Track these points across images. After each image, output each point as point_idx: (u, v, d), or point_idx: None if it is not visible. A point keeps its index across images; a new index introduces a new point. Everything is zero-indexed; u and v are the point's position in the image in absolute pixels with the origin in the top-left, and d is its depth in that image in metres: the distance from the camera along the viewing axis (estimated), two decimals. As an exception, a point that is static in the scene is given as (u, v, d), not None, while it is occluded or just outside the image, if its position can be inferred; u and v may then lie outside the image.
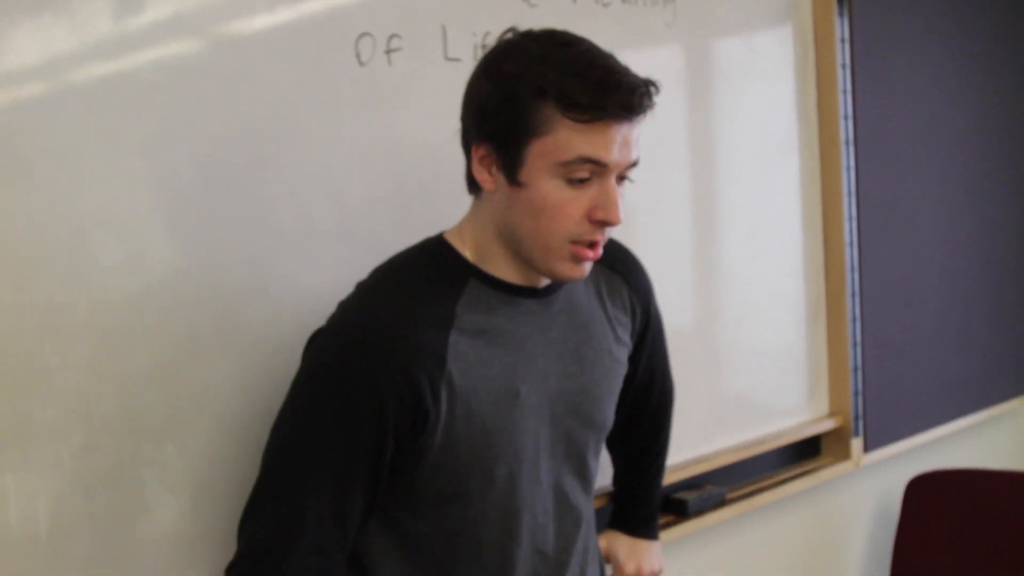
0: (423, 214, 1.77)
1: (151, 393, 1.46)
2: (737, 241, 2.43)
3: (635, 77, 1.36)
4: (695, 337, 2.35)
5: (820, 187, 2.62)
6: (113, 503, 1.44)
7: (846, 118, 2.61)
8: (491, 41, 1.86)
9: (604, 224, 1.39)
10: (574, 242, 1.39)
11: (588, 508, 1.64)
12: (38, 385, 1.36)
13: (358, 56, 1.69)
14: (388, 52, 1.72)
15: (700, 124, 2.35)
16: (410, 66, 1.75)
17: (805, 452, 2.69)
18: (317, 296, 1.62)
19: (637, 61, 2.15)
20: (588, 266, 1.44)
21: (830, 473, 2.68)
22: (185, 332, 1.50)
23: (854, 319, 2.66)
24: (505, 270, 1.46)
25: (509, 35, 1.45)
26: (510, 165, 1.38)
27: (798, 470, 2.63)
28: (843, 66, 2.61)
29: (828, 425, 2.67)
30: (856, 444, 2.71)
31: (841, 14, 2.61)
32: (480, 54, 1.84)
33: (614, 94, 1.33)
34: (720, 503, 2.34)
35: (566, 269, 1.42)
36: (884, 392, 2.79)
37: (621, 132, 1.36)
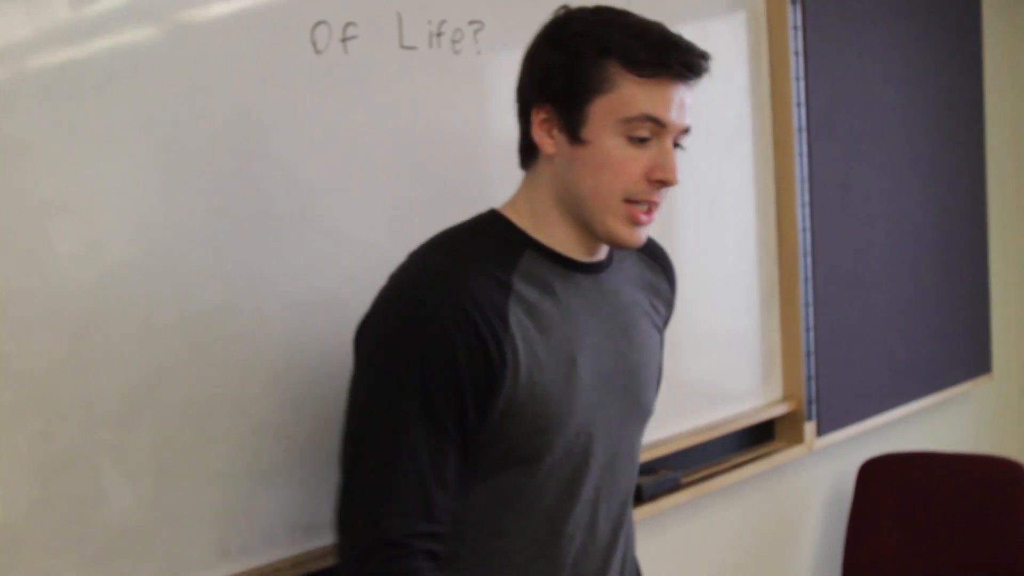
0: (381, 199, 1.80)
1: (108, 379, 1.48)
2: (692, 226, 2.48)
3: (692, 43, 1.42)
4: (689, 327, 2.39)
5: (773, 173, 2.67)
6: (70, 489, 1.45)
7: (799, 105, 2.66)
8: (447, 29, 1.90)
9: (662, 184, 1.43)
10: (630, 201, 1.43)
11: (632, 490, 1.65)
12: (-6, 371, 1.38)
13: (314, 44, 1.70)
14: (344, 40, 1.74)
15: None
16: (366, 54, 1.77)
17: (759, 436, 2.74)
18: (275, 282, 1.65)
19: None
20: (644, 233, 1.47)
21: (784, 457, 2.74)
22: (142, 318, 1.51)
23: (807, 304, 2.72)
24: (561, 240, 1.49)
25: (561, 11, 1.49)
26: (573, 123, 1.42)
27: (752, 454, 2.69)
28: (796, 53, 2.66)
29: (782, 409, 2.73)
30: (809, 428, 2.77)
31: (794, 2, 2.66)
32: (435, 42, 1.88)
33: (675, 52, 1.39)
34: (675, 487, 2.38)
35: (623, 232, 1.45)
36: (837, 376, 2.85)
37: (679, 93, 1.42)
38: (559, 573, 1.51)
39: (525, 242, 1.47)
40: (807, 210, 2.71)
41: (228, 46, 1.61)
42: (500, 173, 2.04)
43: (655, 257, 1.68)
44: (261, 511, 1.66)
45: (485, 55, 1.98)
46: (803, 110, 2.68)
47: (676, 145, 1.45)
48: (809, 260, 2.72)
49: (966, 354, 3.49)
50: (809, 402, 2.76)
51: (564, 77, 1.42)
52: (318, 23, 1.71)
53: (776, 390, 2.75)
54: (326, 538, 1.62)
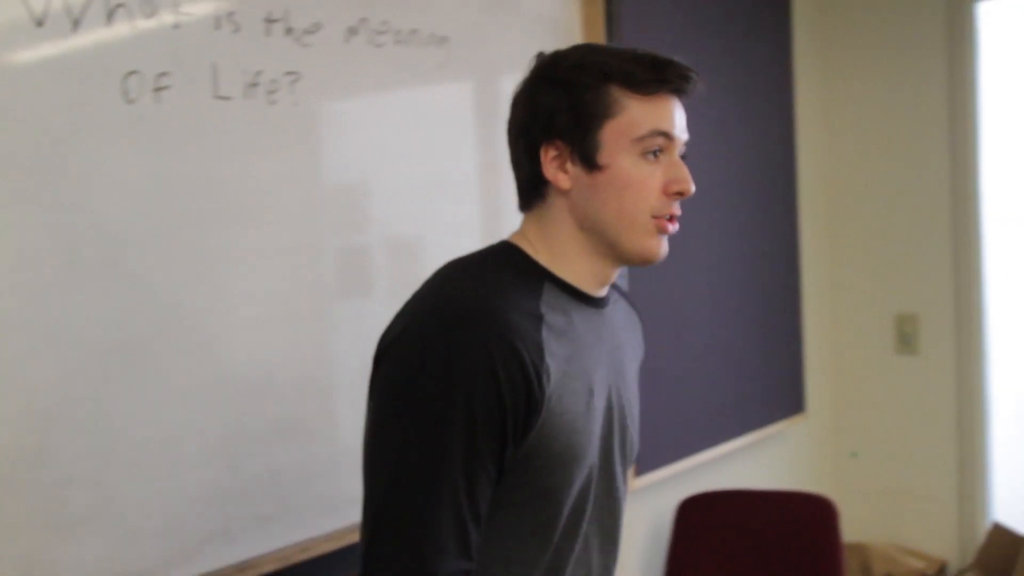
0: (192, 248, 1.83)
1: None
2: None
3: (680, 60, 1.49)
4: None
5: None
6: None
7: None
8: (262, 80, 1.94)
9: (679, 195, 1.47)
10: (656, 217, 1.47)
11: (621, 531, 1.68)
12: None
13: (125, 94, 1.73)
14: (156, 90, 1.78)
15: (481, 160, 2.47)
16: (179, 104, 1.81)
17: (579, 477, 2.82)
18: (81, 331, 1.66)
19: (411, 100, 2.29)
20: (667, 245, 1.52)
21: (603, 497, 2.82)
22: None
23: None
24: (577, 273, 1.52)
25: (543, 55, 1.54)
26: (587, 152, 1.46)
27: (572, 494, 2.76)
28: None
29: (601, 450, 2.81)
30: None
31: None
32: (251, 93, 1.92)
33: (670, 69, 1.46)
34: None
35: (654, 245, 1.49)
36: (656, 418, 2.95)
37: (678, 108, 1.49)
38: None
39: (544, 275, 1.50)
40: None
41: (36, 94, 1.63)
42: (328, 220, 2.11)
43: (631, 303, 1.76)
44: (66, 564, 1.66)
45: (302, 106, 2.03)
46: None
47: (683, 157, 1.51)
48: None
49: (781, 394, 3.65)
50: (628, 443, 2.85)
51: (570, 110, 1.46)
52: (130, 73, 1.74)
53: (595, 432, 2.83)
54: (132, 588, 1.63)
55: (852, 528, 3.62)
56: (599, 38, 2.74)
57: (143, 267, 1.76)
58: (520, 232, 1.56)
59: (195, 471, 1.91)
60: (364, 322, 2.24)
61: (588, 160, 1.46)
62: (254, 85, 1.93)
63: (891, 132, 3.79)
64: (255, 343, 2.00)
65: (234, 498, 1.98)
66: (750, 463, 3.63)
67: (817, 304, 3.94)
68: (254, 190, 1.95)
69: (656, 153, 1.47)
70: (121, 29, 1.73)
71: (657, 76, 1.46)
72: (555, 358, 1.42)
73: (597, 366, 1.53)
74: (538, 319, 1.43)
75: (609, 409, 1.56)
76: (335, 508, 2.16)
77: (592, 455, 1.51)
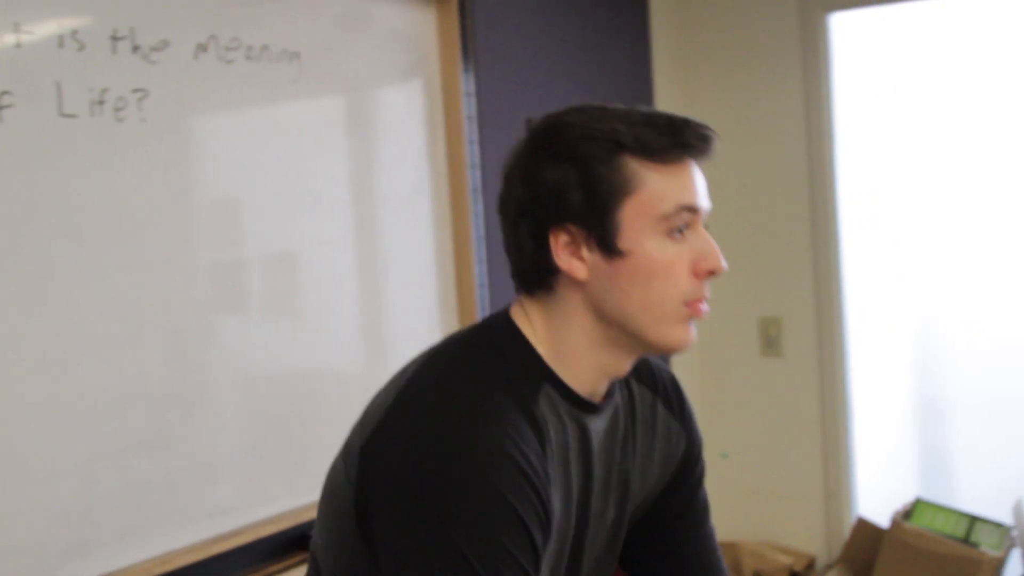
0: (43, 263, 1.86)
1: None
2: (370, 281, 2.63)
3: (691, 117, 1.33)
4: (363, 378, 2.55)
5: (451, 232, 2.86)
6: None
7: (474, 167, 2.87)
8: (109, 98, 1.98)
9: (710, 275, 1.32)
10: (688, 303, 1.32)
11: None
12: None
13: (-34, 112, 1.77)
14: (-1, 108, 1.81)
15: (349, 175, 2.54)
16: (22, 123, 1.84)
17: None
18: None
19: (269, 116, 2.35)
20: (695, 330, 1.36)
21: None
22: None
23: (486, 357, 2.91)
24: (578, 375, 1.35)
25: (539, 121, 1.36)
26: (606, 236, 1.29)
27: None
28: (469, 118, 2.86)
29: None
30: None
31: (467, 70, 2.86)
32: (97, 110, 1.96)
33: (688, 130, 1.30)
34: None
35: (683, 335, 1.33)
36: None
37: (698, 173, 1.33)
38: None
39: (543, 373, 1.33)
40: (484, 267, 2.90)
41: None
42: (196, 236, 2.16)
43: (668, 399, 1.55)
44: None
45: (151, 122, 2.08)
46: (478, 171, 2.88)
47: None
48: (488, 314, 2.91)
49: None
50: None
51: (582, 190, 1.28)
52: (-30, 92, 1.78)
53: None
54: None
55: (723, 527, 3.72)
56: (455, 50, 2.83)
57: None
58: (523, 311, 1.37)
59: (49, 487, 1.94)
60: (235, 336, 2.30)
61: (607, 245, 1.29)
62: (100, 103, 1.97)
63: (750, 141, 3.94)
64: (113, 359, 2.04)
65: (91, 513, 2.02)
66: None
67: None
68: (108, 207, 1.99)
69: (682, 230, 1.30)
70: (-39, 49, 1.77)
71: (675, 140, 1.29)
72: (552, 481, 1.28)
73: (593, 490, 1.39)
74: (542, 436, 1.28)
75: (597, 543, 1.44)
76: (195, 520, 2.20)
77: None
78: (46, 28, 1.89)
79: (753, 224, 3.96)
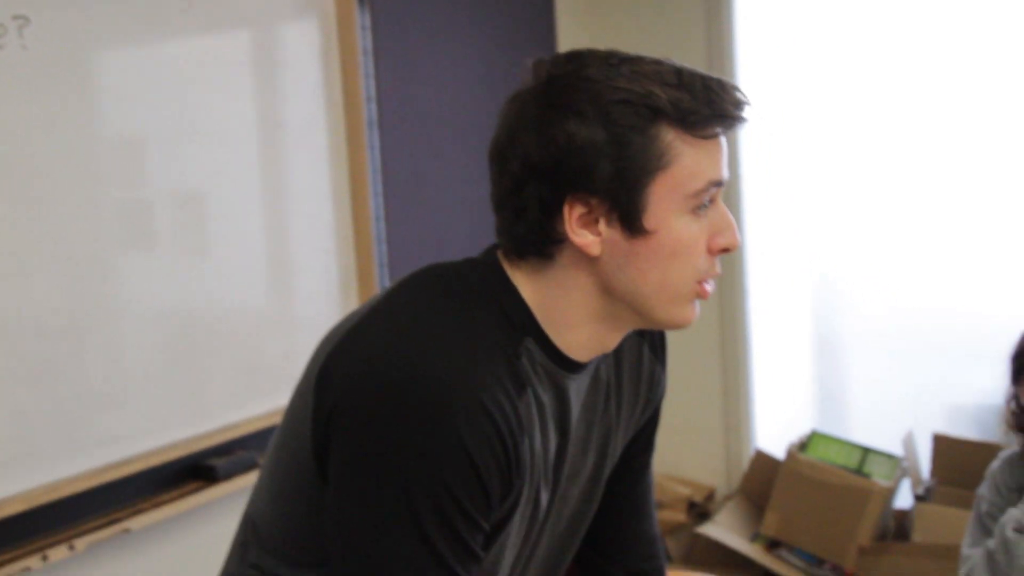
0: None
1: None
2: (265, 215, 2.66)
3: (724, 80, 1.21)
4: (263, 312, 2.58)
5: (347, 166, 2.89)
6: None
7: (369, 100, 2.90)
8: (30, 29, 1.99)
9: (725, 251, 1.23)
10: (701, 281, 1.24)
11: None
12: None
13: None
14: None
15: (230, 108, 2.56)
16: None
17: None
18: None
19: (155, 50, 2.36)
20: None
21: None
22: None
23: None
24: (566, 341, 1.26)
25: (556, 64, 1.22)
26: (632, 213, 1.18)
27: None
28: (365, 52, 2.89)
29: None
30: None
31: (362, 3, 2.89)
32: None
33: (726, 97, 1.19)
34: (251, 467, 2.56)
35: (690, 313, 1.25)
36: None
37: (724, 144, 1.23)
38: None
39: (529, 326, 1.24)
40: (381, 200, 2.95)
41: None
42: (99, 171, 2.18)
43: (652, 342, 1.48)
44: None
45: (32, 50, 2.08)
46: (374, 105, 2.91)
47: None
48: (384, 248, 2.96)
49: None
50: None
51: (613, 159, 1.16)
52: None
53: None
54: None
55: (625, 461, 3.83)
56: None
57: None
58: (510, 264, 1.26)
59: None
60: (136, 269, 2.33)
61: (631, 223, 1.18)
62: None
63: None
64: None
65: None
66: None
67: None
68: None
69: (707, 205, 1.21)
70: None
71: (715, 111, 1.18)
72: (528, 434, 1.22)
73: (569, 455, 1.33)
74: (520, 386, 1.20)
75: (570, 507, 1.40)
76: (83, 450, 2.24)
77: (518, 566, 1.36)
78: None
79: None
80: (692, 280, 1.22)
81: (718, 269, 1.24)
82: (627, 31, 3.98)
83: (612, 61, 1.19)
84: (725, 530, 3.63)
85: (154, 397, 2.38)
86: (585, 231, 1.19)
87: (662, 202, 1.18)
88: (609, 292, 1.23)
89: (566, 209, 1.19)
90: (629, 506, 1.56)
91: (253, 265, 2.63)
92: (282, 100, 2.70)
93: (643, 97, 1.16)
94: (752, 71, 3.86)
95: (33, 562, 2.12)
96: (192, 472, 2.45)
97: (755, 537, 3.62)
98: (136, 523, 2.30)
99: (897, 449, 3.61)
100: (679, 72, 1.18)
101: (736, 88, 1.21)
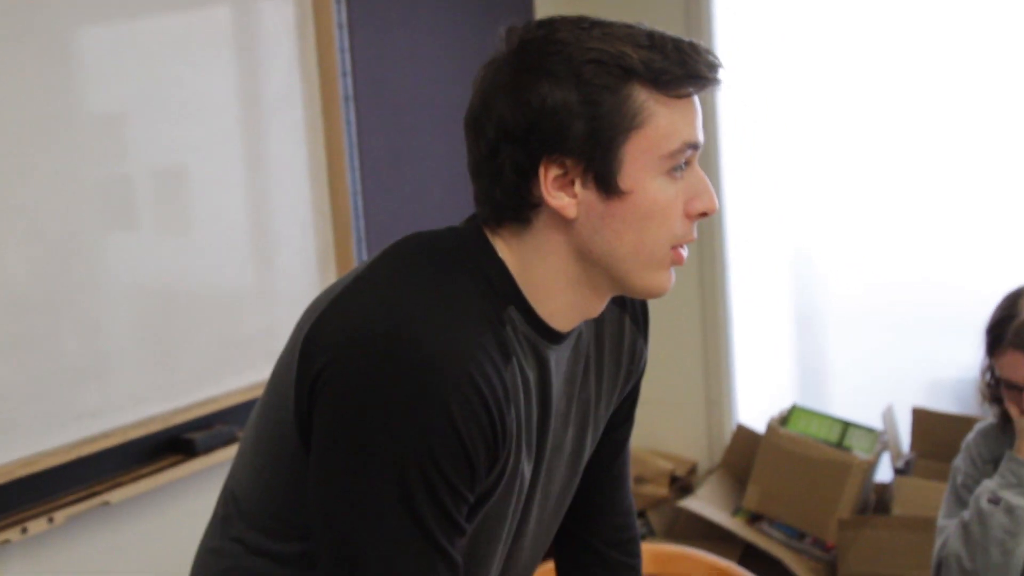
0: None
1: None
2: (243, 190, 2.68)
3: (696, 42, 1.23)
4: (241, 286, 2.62)
5: (324, 140, 2.91)
6: None
7: (345, 75, 2.91)
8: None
9: (702, 216, 1.24)
10: (676, 246, 1.24)
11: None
12: None
13: None
14: None
15: (207, 83, 2.58)
16: None
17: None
18: None
19: (130, 27, 2.37)
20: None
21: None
22: None
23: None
24: (547, 309, 1.26)
25: (527, 31, 1.24)
26: (606, 173, 1.19)
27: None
28: (340, 26, 2.90)
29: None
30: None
31: (338, -23, 2.90)
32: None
33: (699, 58, 1.20)
34: (230, 441, 2.58)
35: (665, 280, 1.26)
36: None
37: (697, 105, 1.24)
38: None
39: (512, 294, 1.25)
40: (358, 174, 2.96)
41: None
42: (82, 147, 2.19)
43: (634, 313, 1.48)
44: None
45: (10, 25, 2.10)
46: (350, 80, 2.93)
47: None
48: (362, 222, 2.98)
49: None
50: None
51: (585, 119, 1.17)
52: None
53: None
54: None
55: (607, 436, 3.85)
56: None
57: None
58: (491, 231, 1.27)
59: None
60: (116, 244, 2.36)
61: (606, 183, 1.19)
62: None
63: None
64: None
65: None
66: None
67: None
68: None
69: (682, 168, 1.22)
70: None
71: (687, 71, 1.19)
72: (515, 404, 1.22)
73: (553, 426, 1.33)
74: (506, 355, 1.20)
75: (555, 478, 1.40)
76: (61, 424, 2.26)
77: (514, 536, 1.37)
78: None
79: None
80: (667, 244, 1.23)
81: (694, 234, 1.25)
82: (605, 7, 3.99)
83: (583, 25, 1.20)
84: (707, 504, 3.66)
85: (133, 371, 2.40)
86: (561, 193, 1.20)
87: (637, 162, 1.19)
88: (586, 256, 1.24)
89: (541, 171, 1.19)
90: (608, 478, 1.58)
91: (230, 240, 2.65)
92: (258, 75, 2.72)
93: (615, 57, 1.17)
94: (730, 44, 3.88)
95: (12, 534, 2.15)
96: (171, 446, 2.47)
97: (737, 511, 3.66)
98: (115, 496, 2.33)
99: (877, 423, 3.65)
100: (651, 35, 1.20)
101: (709, 51, 1.22)
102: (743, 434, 3.85)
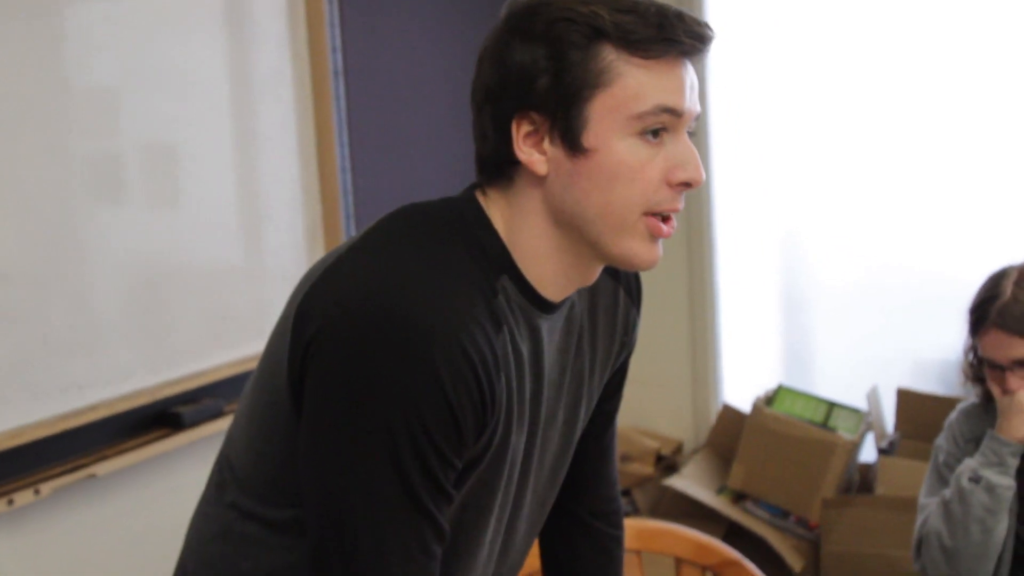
0: None
1: None
2: (231, 168, 2.68)
3: (686, 11, 1.24)
4: (229, 261, 2.64)
5: (313, 116, 2.91)
6: None
7: (335, 51, 2.91)
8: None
9: (686, 187, 1.23)
10: (649, 214, 1.23)
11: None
12: None
13: None
14: None
15: (197, 58, 2.58)
16: None
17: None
18: None
19: (116, 6, 2.37)
20: (661, 248, 1.27)
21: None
22: None
23: (350, 241, 2.99)
24: (538, 277, 1.28)
25: (511, 3, 1.27)
26: (571, 130, 1.21)
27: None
28: (330, 1, 2.90)
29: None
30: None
31: (328, -49, 2.90)
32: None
33: (679, 24, 1.20)
34: (217, 415, 2.59)
35: (644, 251, 1.25)
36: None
37: (688, 74, 1.23)
38: None
39: (505, 263, 1.26)
40: (347, 150, 2.97)
41: None
42: (72, 124, 2.19)
43: (628, 286, 1.50)
44: None
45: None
46: (339, 55, 2.93)
47: (691, 133, 1.27)
48: (351, 199, 2.99)
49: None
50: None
51: (551, 74, 1.20)
52: None
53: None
54: None
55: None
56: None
57: None
58: (485, 198, 1.29)
59: None
60: (104, 217, 2.36)
61: (571, 140, 1.21)
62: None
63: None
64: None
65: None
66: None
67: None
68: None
69: (658, 132, 1.22)
70: None
71: (662, 34, 1.19)
72: (506, 373, 1.24)
73: (546, 396, 1.35)
74: (497, 325, 1.22)
75: (549, 452, 1.42)
76: (48, 396, 2.27)
77: (506, 513, 1.39)
78: None
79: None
80: (638, 208, 1.23)
81: (679, 205, 1.24)
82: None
83: None
84: (692, 483, 3.68)
85: (120, 344, 2.41)
86: (532, 150, 1.23)
87: (603, 121, 1.20)
88: (560, 216, 1.25)
89: (514, 127, 1.23)
90: (597, 450, 1.61)
91: (219, 215, 2.66)
92: (248, 50, 2.72)
93: (585, 16, 1.19)
94: (722, 22, 3.87)
95: (-1, 506, 2.16)
96: (158, 419, 2.48)
97: (722, 490, 3.68)
98: (102, 469, 2.34)
99: (862, 404, 3.67)
100: (639, 1, 1.21)
101: (696, 21, 1.22)
102: (729, 414, 3.87)
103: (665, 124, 1.22)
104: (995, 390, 2.17)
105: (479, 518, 1.34)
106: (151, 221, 2.49)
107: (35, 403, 2.24)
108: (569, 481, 1.56)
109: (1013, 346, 2.11)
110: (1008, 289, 2.12)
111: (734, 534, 3.50)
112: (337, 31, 2.92)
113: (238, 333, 2.69)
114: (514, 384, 1.26)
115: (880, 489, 3.42)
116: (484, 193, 1.29)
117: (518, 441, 1.32)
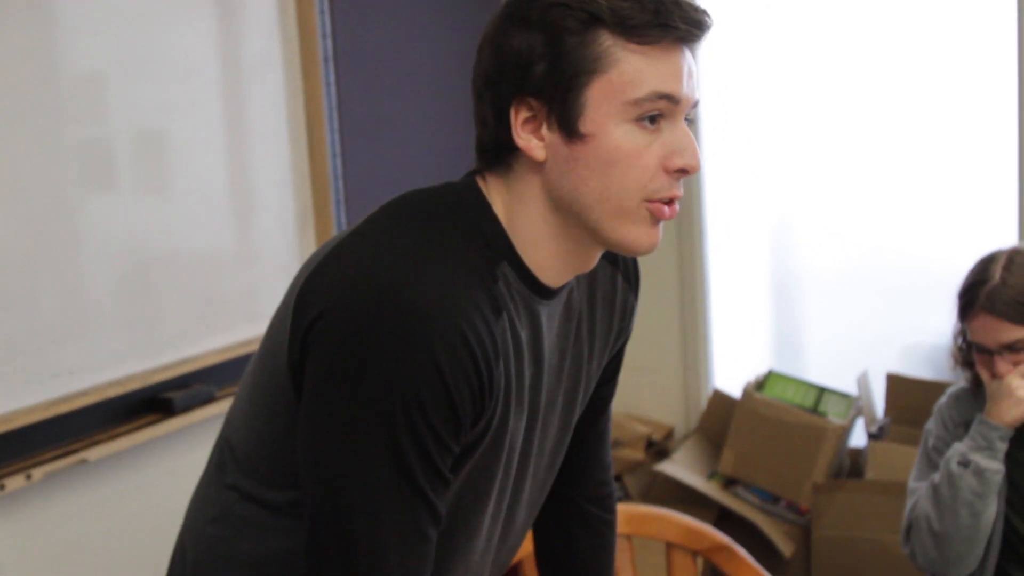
0: None
1: None
2: (219, 151, 2.68)
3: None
4: (219, 247, 2.63)
5: (303, 102, 2.91)
6: None
7: (325, 36, 2.91)
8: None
9: (683, 173, 1.25)
10: (649, 200, 1.24)
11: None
12: None
13: None
14: None
15: (186, 44, 2.57)
16: None
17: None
18: None
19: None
20: (660, 232, 1.28)
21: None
22: None
23: (339, 227, 2.99)
24: (537, 263, 1.29)
25: None
26: (568, 115, 1.22)
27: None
28: (320, -15, 2.91)
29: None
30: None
31: (317, -64, 2.90)
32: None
33: (676, 10, 1.21)
34: (208, 400, 2.59)
35: (643, 236, 1.26)
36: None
37: (686, 60, 1.24)
38: None
39: (505, 249, 1.27)
40: (337, 136, 2.97)
41: None
42: (62, 110, 2.19)
43: (627, 272, 1.52)
44: None
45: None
46: (329, 41, 2.93)
47: (690, 121, 1.29)
48: (341, 184, 2.99)
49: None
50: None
51: (547, 60, 1.21)
52: None
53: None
54: None
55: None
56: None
57: None
58: (485, 184, 1.31)
59: None
60: (96, 204, 2.36)
61: (568, 126, 1.22)
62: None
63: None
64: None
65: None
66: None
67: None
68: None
69: (655, 119, 1.23)
70: None
71: (659, 20, 1.20)
72: (505, 359, 1.25)
73: (546, 383, 1.36)
74: (496, 310, 1.23)
75: (548, 439, 1.43)
76: (40, 381, 2.27)
77: (504, 499, 1.40)
78: None
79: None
80: (637, 195, 1.23)
81: (678, 191, 1.26)
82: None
83: None
84: (683, 468, 3.69)
85: (111, 330, 2.41)
86: (530, 136, 1.24)
87: (600, 107, 1.21)
88: (558, 202, 1.26)
89: (512, 113, 1.24)
90: (593, 434, 1.63)
91: (209, 201, 2.66)
92: (237, 36, 2.72)
93: (581, 2, 1.20)
94: (715, 8, 3.87)
95: (-10, 491, 2.17)
96: (149, 405, 2.49)
97: (712, 475, 3.70)
98: (93, 454, 2.34)
99: (852, 388, 3.68)
100: None
101: (695, 7, 1.23)
102: (719, 399, 3.89)
103: (662, 110, 1.23)
104: (984, 374, 2.18)
105: (477, 502, 1.35)
106: (141, 207, 2.49)
107: (26, 388, 2.24)
108: (564, 466, 1.57)
109: (1002, 330, 2.12)
110: (997, 273, 2.13)
111: (725, 519, 3.51)
112: (327, 17, 2.92)
113: (229, 318, 2.70)
114: (512, 370, 1.27)
115: (870, 474, 3.43)
116: (484, 179, 1.31)
117: (517, 426, 1.33)
